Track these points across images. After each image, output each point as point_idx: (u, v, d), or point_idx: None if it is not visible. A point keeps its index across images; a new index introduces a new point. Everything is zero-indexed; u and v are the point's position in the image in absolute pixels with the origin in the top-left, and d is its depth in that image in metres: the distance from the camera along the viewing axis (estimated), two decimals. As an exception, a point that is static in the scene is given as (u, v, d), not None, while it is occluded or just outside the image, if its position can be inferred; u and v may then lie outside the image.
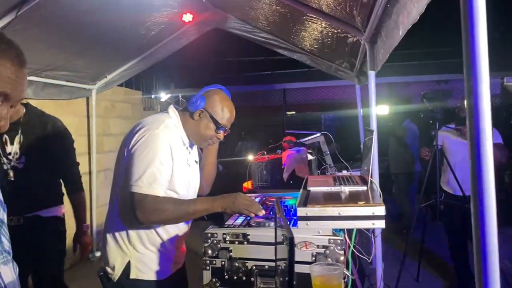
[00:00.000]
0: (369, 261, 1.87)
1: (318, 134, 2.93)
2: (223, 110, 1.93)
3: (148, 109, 7.56)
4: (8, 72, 0.93)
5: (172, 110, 1.97)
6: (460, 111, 3.68)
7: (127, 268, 1.85)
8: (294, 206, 2.08)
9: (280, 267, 1.45)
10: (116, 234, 1.88)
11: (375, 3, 2.07)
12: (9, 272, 1.04)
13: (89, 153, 5.30)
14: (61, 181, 2.76)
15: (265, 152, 2.94)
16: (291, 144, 2.83)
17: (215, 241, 1.71)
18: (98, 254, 5.23)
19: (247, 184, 2.99)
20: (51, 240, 2.62)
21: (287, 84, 10.21)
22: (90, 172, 5.31)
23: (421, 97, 3.87)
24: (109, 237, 1.91)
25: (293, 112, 11.30)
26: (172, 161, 1.82)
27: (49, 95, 4.29)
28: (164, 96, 8.42)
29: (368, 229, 1.88)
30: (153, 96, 8.12)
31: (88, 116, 5.23)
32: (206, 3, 4.20)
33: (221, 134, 1.97)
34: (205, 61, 9.09)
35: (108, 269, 1.89)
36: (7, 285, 1.02)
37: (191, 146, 2.01)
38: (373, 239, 2.11)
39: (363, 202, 1.64)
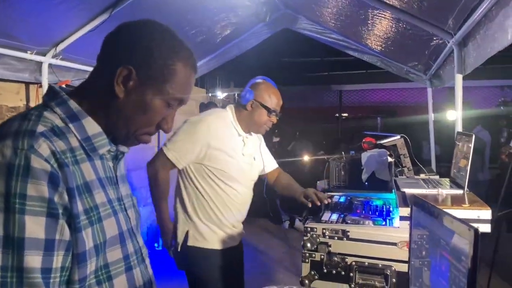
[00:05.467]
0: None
1: (398, 137, 2.90)
2: (271, 97, 2.16)
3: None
4: (189, 79, 0.97)
5: (229, 107, 2.24)
6: None
7: (186, 236, 2.11)
8: (385, 206, 2.10)
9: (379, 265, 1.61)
10: (180, 206, 2.17)
11: (476, 7, 2.05)
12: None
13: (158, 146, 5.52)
14: None
15: (323, 152, 2.96)
16: (371, 146, 2.82)
17: (314, 235, 1.77)
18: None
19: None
20: None
21: (344, 86, 10.12)
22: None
23: (498, 104, 3.77)
24: (177, 209, 2.20)
25: (346, 114, 11.18)
26: (210, 148, 2.05)
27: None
28: (220, 94, 8.65)
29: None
30: (210, 95, 8.31)
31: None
32: (278, 4, 4.26)
33: (274, 118, 2.19)
34: (263, 60, 9.16)
35: (177, 237, 2.16)
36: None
37: (247, 138, 2.22)
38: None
39: (468, 205, 1.64)
